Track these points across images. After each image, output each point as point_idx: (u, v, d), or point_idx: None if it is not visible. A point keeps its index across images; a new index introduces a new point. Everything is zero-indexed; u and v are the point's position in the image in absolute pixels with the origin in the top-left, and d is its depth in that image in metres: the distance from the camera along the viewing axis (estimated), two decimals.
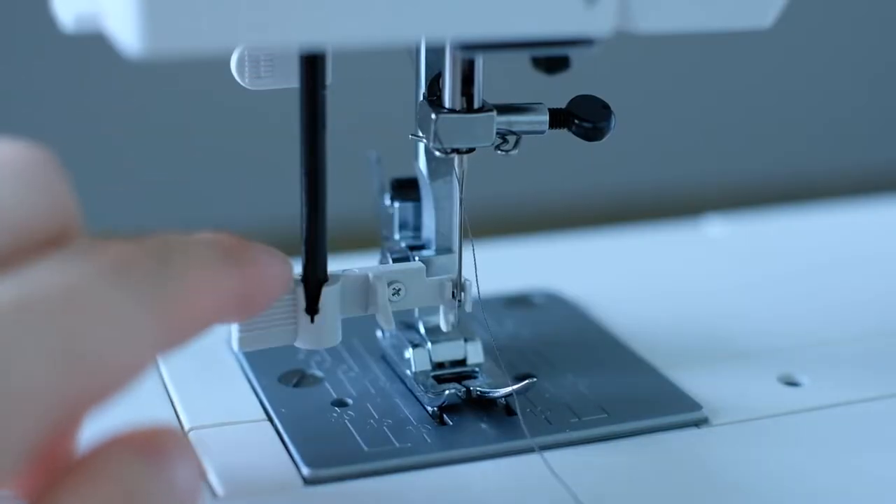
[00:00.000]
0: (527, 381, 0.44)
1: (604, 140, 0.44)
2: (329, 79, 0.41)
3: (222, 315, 0.36)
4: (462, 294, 0.45)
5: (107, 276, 0.31)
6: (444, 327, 0.46)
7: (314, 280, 0.42)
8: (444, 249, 0.47)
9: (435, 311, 0.46)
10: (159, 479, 0.32)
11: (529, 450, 0.42)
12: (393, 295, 0.44)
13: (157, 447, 0.32)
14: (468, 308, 0.45)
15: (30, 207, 0.32)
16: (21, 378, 0.29)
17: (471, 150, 0.44)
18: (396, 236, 0.47)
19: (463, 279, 0.45)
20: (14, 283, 0.30)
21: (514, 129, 0.44)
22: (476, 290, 0.45)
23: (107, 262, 0.31)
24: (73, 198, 0.33)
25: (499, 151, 0.44)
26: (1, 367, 0.28)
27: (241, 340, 0.42)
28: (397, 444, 0.43)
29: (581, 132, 0.44)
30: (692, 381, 0.47)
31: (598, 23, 0.37)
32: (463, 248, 0.46)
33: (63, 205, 0.33)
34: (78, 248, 0.32)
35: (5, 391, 0.28)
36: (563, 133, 0.45)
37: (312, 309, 0.42)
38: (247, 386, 0.47)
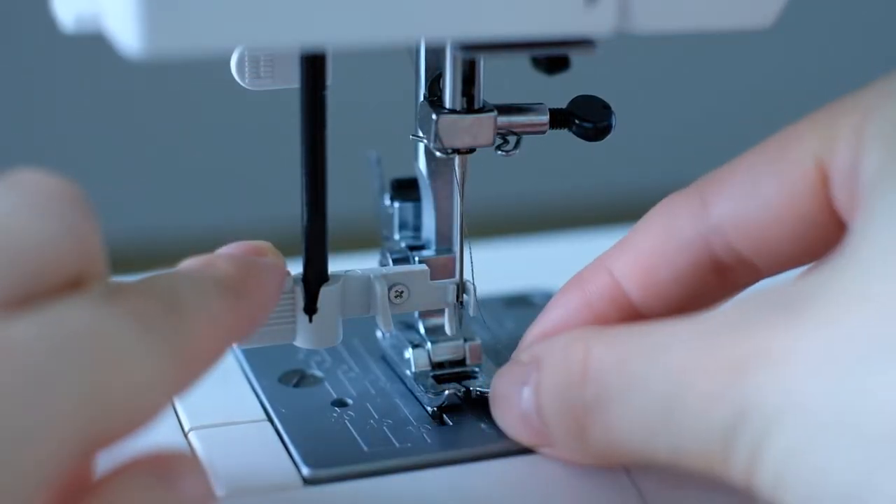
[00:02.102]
0: None
1: (604, 140, 0.44)
2: (329, 79, 0.41)
3: (229, 345, 0.37)
4: (464, 296, 0.45)
5: (126, 323, 0.32)
6: (449, 331, 0.46)
7: (314, 280, 0.42)
8: (444, 250, 0.47)
9: (435, 311, 0.46)
10: (173, 500, 0.33)
11: (529, 450, 0.42)
12: (395, 297, 0.44)
13: (171, 470, 0.33)
14: (472, 312, 0.45)
15: (54, 245, 0.32)
16: (43, 414, 0.30)
17: (471, 151, 0.44)
18: (396, 236, 0.47)
19: (465, 281, 0.45)
20: (38, 322, 0.31)
21: (515, 129, 0.44)
22: (473, 292, 0.45)
23: (125, 309, 0.32)
24: (99, 240, 0.33)
25: (499, 152, 0.44)
26: (25, 402, 0.29)
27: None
28: (397, 445, 0.43)
29: (581, 132, 0.44)
30: None
31: (598, 23, 0.37)
32: (464, 249, 0.46)
33: (88, 247, 0.33)
34: (97, 294, 0.32)
35: (28, 425, 0.29)
36: (564, 133, 0.45)
37: (311, 308, 0.42)
38: (247, 386, 0.47)
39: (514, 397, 0.41)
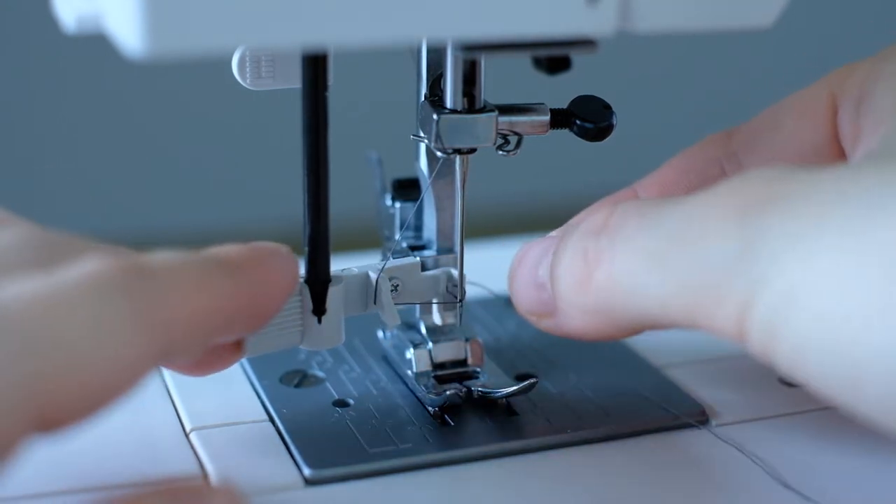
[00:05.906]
0: (528, 381, 0.44)
1: (605, 140, 0.44)
2: (331, 79, 0.41)
3: (221, 322, 0.36)
4: (464, 293, 0.45)
5: (87, 286, 0.31)
6: (438, 321, 0.46)
7: (320, 281, 0.42)
8: (444, 249, 0.47)
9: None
10: None
11: (530, 450, 0.42)
12: (390, 291, 0.44)
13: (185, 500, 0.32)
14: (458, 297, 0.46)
15: None
16: None
17: (472, 151, 0.44)
18: (397, 236, 0.47)
19: (452, 271, 0.46)
20: None
21: (516, 129, 0.44)
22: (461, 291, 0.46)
23: (86, 273, 0.32)
24: None
25: (500, 152, 0.44)
26: None
27: (249, 347, 0.42)
28: (398, 445, 0.43)
29: (582, 132, 0.44)
30: (692, 381, 0.47)
31: (599, 22, 0.37)
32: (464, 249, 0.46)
33: None
34: (62, 259, 0.32)
35: None
36: (565, 133, 0.45)
37: (320, 310, 0.42)
38: (248, 386, 0.47)
39: (533, 266, 0.42)
